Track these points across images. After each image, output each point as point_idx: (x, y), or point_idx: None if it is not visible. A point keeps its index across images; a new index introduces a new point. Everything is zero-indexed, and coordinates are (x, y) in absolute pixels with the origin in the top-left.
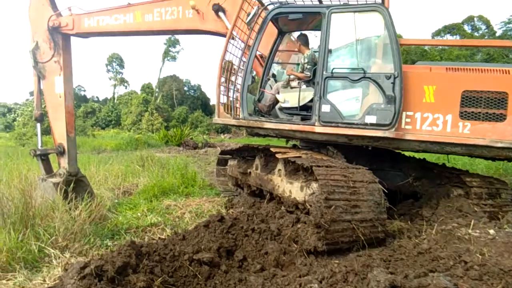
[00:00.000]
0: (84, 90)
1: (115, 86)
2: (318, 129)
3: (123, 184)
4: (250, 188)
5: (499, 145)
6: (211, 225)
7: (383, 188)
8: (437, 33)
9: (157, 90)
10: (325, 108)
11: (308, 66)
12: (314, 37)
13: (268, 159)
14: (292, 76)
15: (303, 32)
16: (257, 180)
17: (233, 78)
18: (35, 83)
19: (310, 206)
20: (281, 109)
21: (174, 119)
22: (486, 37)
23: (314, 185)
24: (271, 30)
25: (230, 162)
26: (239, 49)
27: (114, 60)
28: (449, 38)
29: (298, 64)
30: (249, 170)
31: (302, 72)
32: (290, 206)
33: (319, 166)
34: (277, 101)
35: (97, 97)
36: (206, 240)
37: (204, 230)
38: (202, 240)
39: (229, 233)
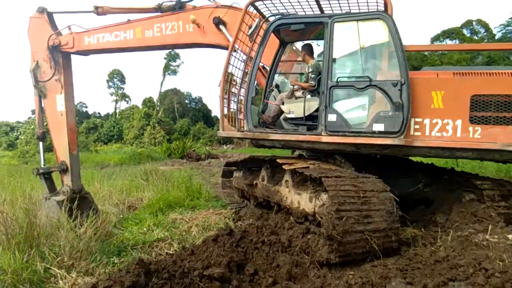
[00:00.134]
0: (86, 107)
1: (116, 101)
2: (325, 138)
3: (127, 199)
4: (257, 200)
5: (511, 148)
6: (220, 239)
7: (394, 196)
8: (436, 37)
9: (158, 103)
10: (331, 117)
11: (313, 76)
12: (316, 46)
13: (275, 170)
14: (296, 86)
15: (307, 41)
16: (264, 191)
17: (236, 91)
18: (36, 102)
19: (321, 218)
20: (286, 119)
21: (176, 131)
22: (485, 41)
23: (324, 196)
24: (273, 41)
25: (236, 174)
26: (241, 61)
27: (115, 76)
28: (448, 43)
29: (301, 74)
30: (255, 182)
31: (306, 81)
32: (299, 217)
33: (328, 177)
34: (281, 112)
35: (99, 112)
36: (215, 254)
37: (213, 244)
38: (211, 254)
39: (239, 246)
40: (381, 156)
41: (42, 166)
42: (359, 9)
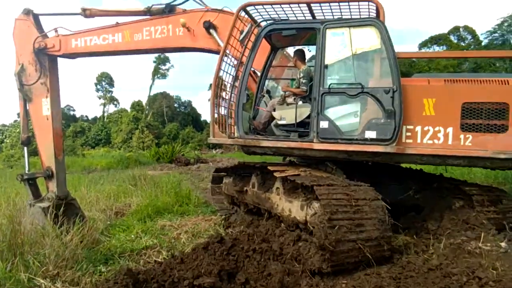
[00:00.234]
0: (73, 110)
1: (104, 104)
2: (317, 145)
3: (115, 205)
4: (247, 206)
5: (502, 156)
6: (210, 247)
7: (386, 204)
8: (424, 43)
9: (147, 107)
10: (323, 124)
11: (304, 81)
12: (308, 51)
13: (265, 177)
14: (287, 92)
15: (299, 47)
16: (254, 198)
17: (227, 96)
18: (21, 106)
19: (313, 227)
20: (277, 125)
21: (165, 136)
22: (472, 47)
23: (316, 204)
24: (264, 46)
25: (225, 180)
26: (231, 66)
27: (104, 78)
28: (436, 49)
29: (292, 80)
30: (245, 188)
31: (298, 87)
32: (290, 225)
33: (320, 185)
34: (272, 118)
35: (86, 116)
36: (206, 263)
37: (203, 252)
38: (201, 263)
39: (230, 254)
40: (371, 162)
41: (27, 171)
42: (351, 15)
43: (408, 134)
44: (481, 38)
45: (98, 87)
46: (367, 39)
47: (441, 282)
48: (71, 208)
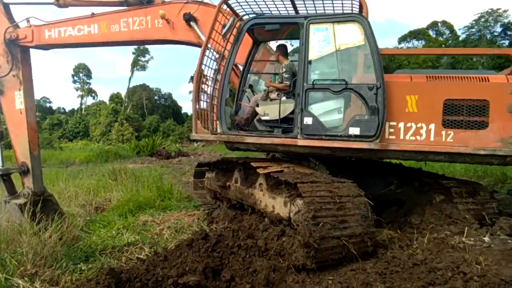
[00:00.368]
0: (50, 102)
1: (82, 96)
2: (301, 142)
3: (95, 200)
4: (230, 202)
5: (482, 152)
6: (194, 244)
7: (368, 200)
8: (403, 38)
9: (126, 99)
10: (307, 120)
11: (287, 76)
12: (290, 46)
13: (248, 172)
14: (271, 88)
15: (281, 42)
16: (237, 193)
17: (210, 91)
18: None
19: (297, 225)
20: (260, 121)
21: (145, 128)
22: (450, 41)
23: (299, 201)
24: (246, 40)
25: (208, 175)
26: (213, 60)
27: (81, 70)
28: (415, 43)
29: (275, 74)
30: (228, 184)
31: (281, 82)
32: (274, 221)
33: (303, 182)
34: (255, 114)
35: (63, 108)
36: (190, 260)
37: (188, 249)
38: (186, 260)
39: (214, 251)
40: (354, 158)
41: (0, 167)
42: (333, 10)
43: (391, 130)
44: (458, 33)
45: (75, 78)
46: (350, 35)
47: (426, 277)
48: (48, 204)
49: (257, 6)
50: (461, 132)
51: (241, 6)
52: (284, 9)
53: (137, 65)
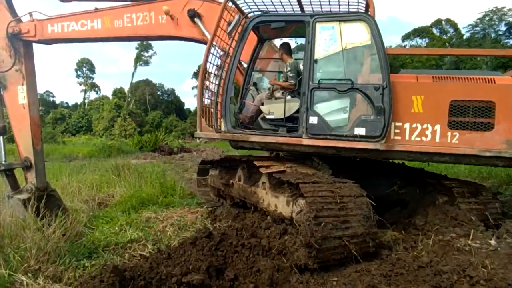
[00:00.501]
0: (53, 96)
1: (85, 91)
2: (306, 141)
3: (98, 195)
4: (233, 200)
5: (487, 154)
6: (198, 242)
7: (370, 201)
8: (407, 36)
9: (129, 95)
10: (313, 119)
11: (291, 75)
12: (295, 43)
13: (251, 171)
14: (275, 86)
15: (286, 40)
16: (241, 192)
17: (215, 89)
18: None
19: (299, 225)
20: (264, 119)
21: (148, 124)
22: (454, 40)
23: (302, 201)
24: (250, 37)
25: (211, 172)
26: (217, 57)
27: (84, 64)
28: (418, 41)
29: (279, 72)
30: (231, 181)
31: (285, 81)
32: (276, 220)
33: (305, 183)
34: (259, 112)
35: (66, 102)
36: (194, 258)
37: (191, 248)
38: (189, 258)
39: (218, 250)
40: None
41: (3, 162)
42: (339, 8)
43: (397, 131)
44: (462, 31)
45: (79, 73)
46: (357, 34)
47: (432, 280)
48: (51, 199)
49: (262, 3)
50: (467, 133)
51: (246, 3)
52: (290, 6)
53: (140, 60)
